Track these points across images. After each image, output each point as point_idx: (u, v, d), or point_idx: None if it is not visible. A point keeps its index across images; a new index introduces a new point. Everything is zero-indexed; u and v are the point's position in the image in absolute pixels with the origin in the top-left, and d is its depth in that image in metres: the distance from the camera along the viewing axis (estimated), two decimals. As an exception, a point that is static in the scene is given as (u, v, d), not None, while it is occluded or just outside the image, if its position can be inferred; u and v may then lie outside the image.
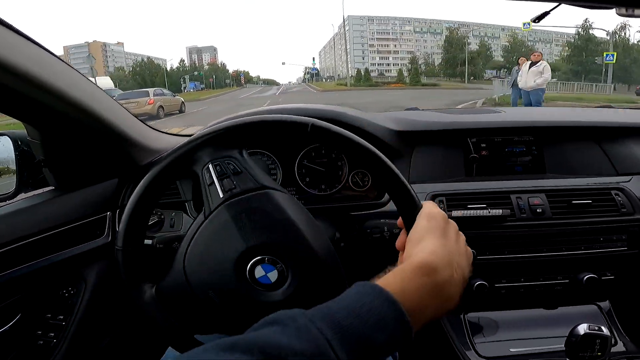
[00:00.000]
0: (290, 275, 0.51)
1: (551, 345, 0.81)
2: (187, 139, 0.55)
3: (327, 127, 0.52)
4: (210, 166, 0.53)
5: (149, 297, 0.53)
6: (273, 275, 0.50)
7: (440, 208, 0.83)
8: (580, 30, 41.26)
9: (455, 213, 0.82)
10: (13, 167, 0.80)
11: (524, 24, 26.36)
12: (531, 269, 0.86)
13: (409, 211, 0.49)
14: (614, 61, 18.81)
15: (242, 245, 0.50)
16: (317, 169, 0.93)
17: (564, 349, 0.61)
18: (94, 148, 0.84)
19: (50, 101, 0.67)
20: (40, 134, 0.78)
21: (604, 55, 19.53)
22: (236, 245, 0.50)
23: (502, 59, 62.45)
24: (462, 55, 56.14)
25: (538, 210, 0.83)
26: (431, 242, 0.42)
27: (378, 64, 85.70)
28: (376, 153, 0.50)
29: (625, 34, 38.70)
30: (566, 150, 0.97)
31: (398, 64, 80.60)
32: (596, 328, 0.59)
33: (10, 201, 0.80)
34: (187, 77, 68.19)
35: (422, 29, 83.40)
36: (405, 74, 61.58)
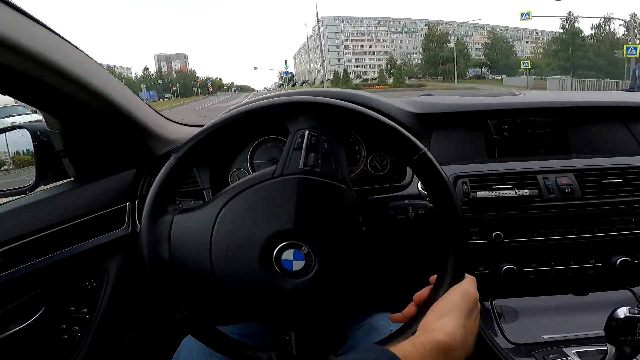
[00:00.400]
0: (312, 273, 0.52)
1: (586, 331, 0.80)
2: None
3: (434, 164, 0.53)
4: (306, 133, 0.54)
5: (165, 221, 0.53)
6: (298, 265, 0.51)
7: (464, 190, 0.88)
8: (565, 23, 42.34)
9: (480, 194, 0.83)
10: (32, 159, 0.84)
11: (522, 14, 24.46)
12: (562, 252, 0.87)
13: (451, 279, 0.52)
14: (638, 54, 16.50)
15: (290, 223, 0.51)
16: None
17: (602, 334, 0.61)
18: (113, 138, 0.89)
19: (70, 90, 0.71)
20: (60, 123, 0.82)
21: (625, 48, 17.78)
22: (284, 219, 0.51)
23: (484, 57, 64.40)
24: (443, 54, 57.55)
25: (567, 190, 0.85)
26: (454, 321, 0.47)
27: (354, 66, 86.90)
28: (458, 213, 0.52)
29: (610, 27, 40.32)
30: (591, 131, 0.99)
31: (375, 65, 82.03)
32: (636, 311, 0.60)
33: (31, 193, 0.84)
34: (143, 86, 66.07)
35: (397, 29, 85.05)
36: (385, 74, 62.57)
